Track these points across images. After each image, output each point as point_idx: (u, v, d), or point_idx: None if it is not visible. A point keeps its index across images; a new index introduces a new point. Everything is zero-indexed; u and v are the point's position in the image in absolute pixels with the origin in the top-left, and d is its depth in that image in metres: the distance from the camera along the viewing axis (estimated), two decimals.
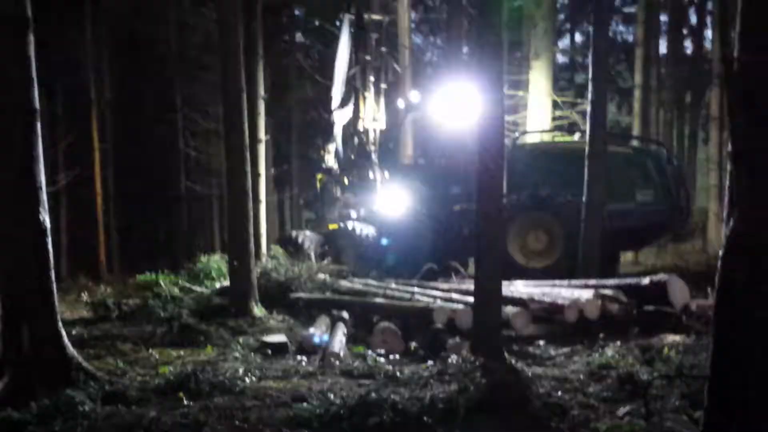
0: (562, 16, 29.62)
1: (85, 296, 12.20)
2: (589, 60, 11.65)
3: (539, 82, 18.01)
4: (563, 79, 27.32)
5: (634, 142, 15.88)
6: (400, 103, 15.16)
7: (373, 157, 15.12)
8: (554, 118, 18.79)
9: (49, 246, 6.37)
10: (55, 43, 18.77)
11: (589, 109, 11.39)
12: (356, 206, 14.94)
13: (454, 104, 13.50)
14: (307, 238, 14.65)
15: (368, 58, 15.52)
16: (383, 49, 15.86)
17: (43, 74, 6.62)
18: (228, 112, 10.39)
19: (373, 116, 15.46)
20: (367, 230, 13.63)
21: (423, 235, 13.37)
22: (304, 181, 27.13)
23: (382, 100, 15.59)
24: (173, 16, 24.45)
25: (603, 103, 11.67)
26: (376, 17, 16.22)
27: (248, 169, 10.27)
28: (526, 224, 12.47)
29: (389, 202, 14.00)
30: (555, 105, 18.78)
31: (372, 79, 15.46)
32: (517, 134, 15.40)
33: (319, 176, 16.14)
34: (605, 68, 12.40)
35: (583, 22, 30.44)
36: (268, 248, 14.67)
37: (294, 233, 15.10)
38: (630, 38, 28.68)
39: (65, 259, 19.94)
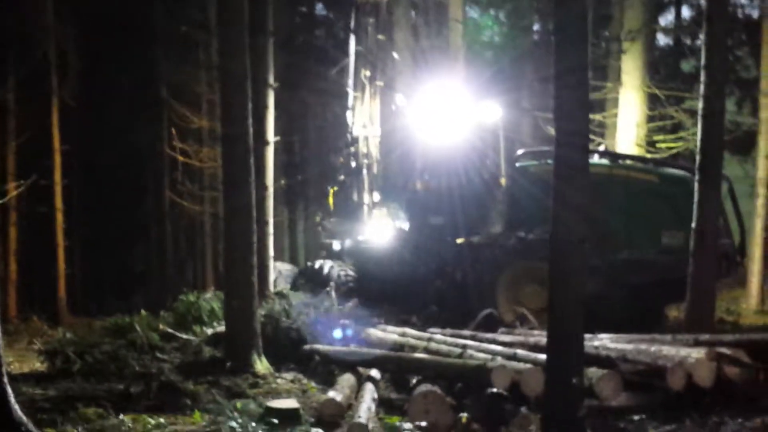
0: None
1: (38, 343, 12.29)
2: (701, 41, 11.52)
3: (634, 70, 17.94)
4: (666, 66, 27.09)
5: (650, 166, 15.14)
6: (399, 101, 15.33)
7: (364, 173, 15.27)
8: (653, 118, 18.66)
9: None
10: (5, 14, 19.11)
11: (700, 106, 11.24)
12: (340, 235, 15.27)
13: (440, 112, 13.81)
14: (278, 273, 14.88)
15: (359, 48, 15.77)
16: (380, 37, 16.07)
17: None
18: (227, 105, 10.45)
19: (364, 122, 15.66)
20: (340, 269, 13.90)
21: (412, 277, 13.73)
22: (323, 195, 27.29)
23: (377, 100, 15.79)
24: None
25: (720, 99, 11.50)
26: None
27: (252, 180, 10.30)
28: (517, 276, 12.56)
29: (377, 232, 14.27)
30: (655, 100, 18.66)
31: (367, 74, 15.64)
32: (600, 146, 15.33)
33: (332, 189, 16.41)
34: (723, 53, 12.26)
35: None
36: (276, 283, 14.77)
37: None
38: (754, 13, 28.37)
39: (13, 295, 20.16)
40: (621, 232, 11.80)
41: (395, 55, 17.77)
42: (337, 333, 10.52)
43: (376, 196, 15.16)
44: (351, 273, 14.19)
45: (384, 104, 15.94)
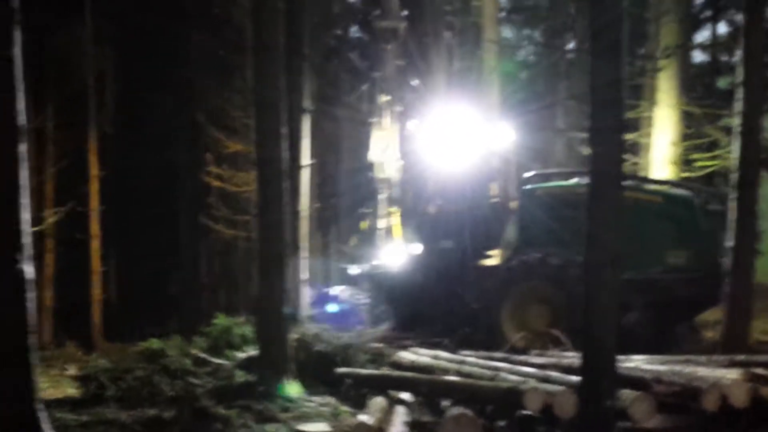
0: (700, 1, 29.28)
1: (72, 369, 12.40)
2: (738, 57, 11.48)
3: (669, 89, 17.85)
4: (702, 84, 26.93)
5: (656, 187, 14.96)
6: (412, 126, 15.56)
7: (379, 198, 15.63)
8: (689, 136, 18.53)
9: (32, 304, 6.47)
10: (46, 40, 19.43)
11: (737, 123, 11.20)
12: (359, 260, 15.44)
13: (449, 137, 14.04)
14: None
15: (376, 74, 16.03)
16: (398, 62, 16.34)
17: (30, 80, 6.81)
18: (262, 130, 10.51)
19: (382, 146, 15.88)
20: (353, 294, 14.03)
21: (430, 300, 13.84)
22: (355, 219, 27.39)
23: (396, 125, 16.05)
24: (195, 6, 24.95)
25: (757, 116, 11.45)
26: (387, 24, 16.59)
27: (285, 203, 10.35)
28: (522, 297, 12.69)
29: (392, 257, 14.39)
30: (690, 118, 18.54)
31: (384, 98, 15.89)
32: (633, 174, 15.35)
33: (363, 225, 16.63)
34: (760, 69, 12.18)
35: (729, 7, 30.05)
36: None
37: None
38: None
39: (49, 321, 20.33)
40: (625, 252, 11.82)
41: (413, 82, 18.03)
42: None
43: (395, 221, 15.31)
44: (364, 298, 14.37)
45: (403, 129, 16.19)
